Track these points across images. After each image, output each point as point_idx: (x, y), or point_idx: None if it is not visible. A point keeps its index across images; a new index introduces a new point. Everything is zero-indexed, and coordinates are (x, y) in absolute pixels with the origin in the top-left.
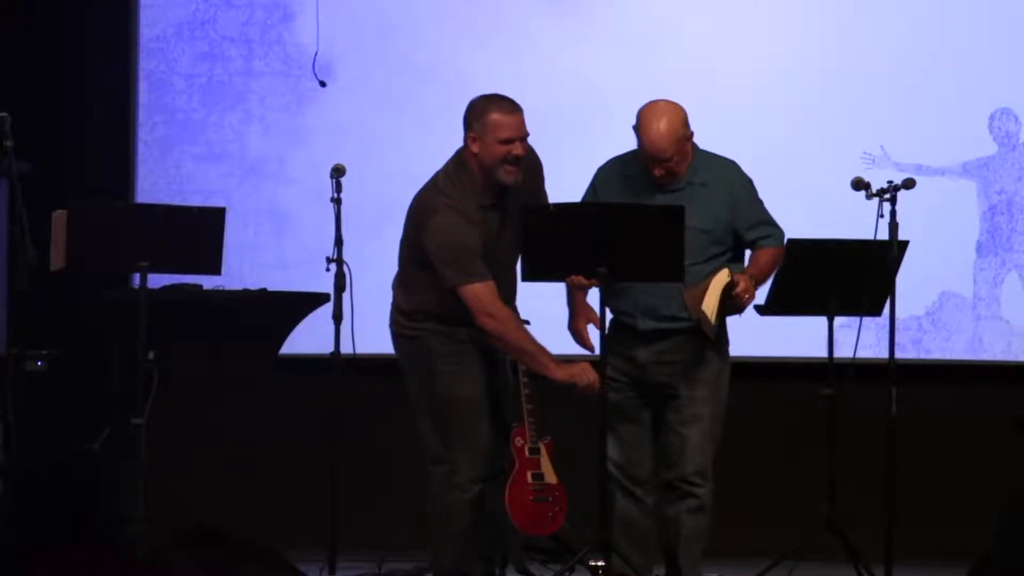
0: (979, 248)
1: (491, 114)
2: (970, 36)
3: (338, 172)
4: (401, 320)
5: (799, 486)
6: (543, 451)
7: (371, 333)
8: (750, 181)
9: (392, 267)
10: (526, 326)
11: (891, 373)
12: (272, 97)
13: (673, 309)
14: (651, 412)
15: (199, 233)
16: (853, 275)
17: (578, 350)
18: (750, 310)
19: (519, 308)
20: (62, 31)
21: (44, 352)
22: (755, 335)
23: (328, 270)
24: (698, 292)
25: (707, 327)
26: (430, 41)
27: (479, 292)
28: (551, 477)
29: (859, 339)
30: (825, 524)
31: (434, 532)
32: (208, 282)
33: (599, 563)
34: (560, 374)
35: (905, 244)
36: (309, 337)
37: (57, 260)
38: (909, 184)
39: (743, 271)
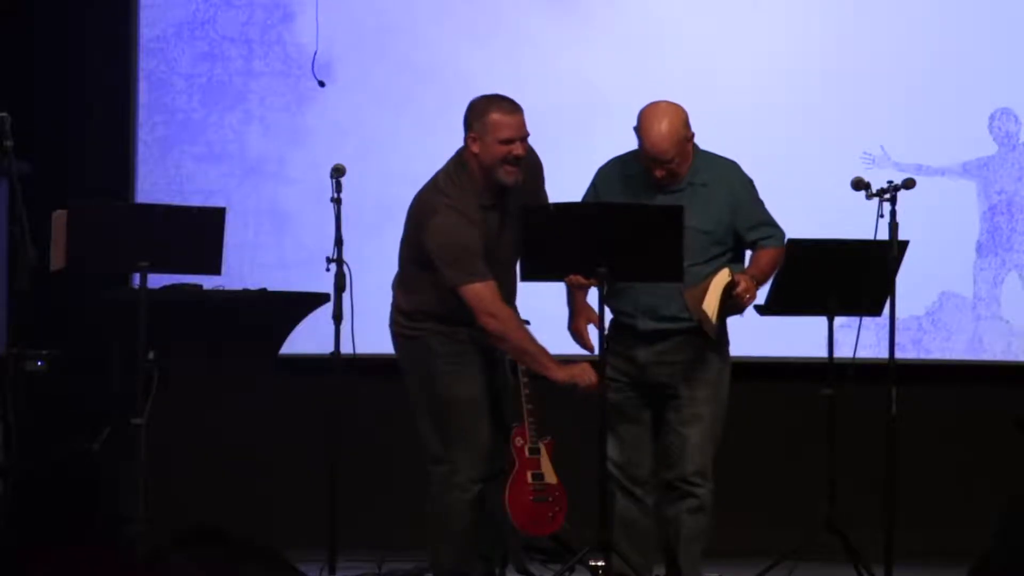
0: (979, 248)
1: (491, 114)
2: (970, 36)
3: (338, 172)
4: (401, 320)
5: (799, 486)
6: (543, 451)
7: (371, 333)
8: (751, 182)
9: (392, 267)
10: (526, 326)
11: (891, 373)
12: (272, 97)
13: (673, 309)
14: (651, 412)
15: (199, 233)
16: (853, 275)
17: (578, 350)
18: (750, 310)
19: (519, 308)
20: (62, 31)
21: (44, 352)
22: (755, 335)
23: (328, 270)
24: (699, 292)
25: (708, 327)
26: (430, 41)
27: (481, 292)
28: (551, 477)
29: (859, 339)
30: (825, 524)
31: (434, 532)
32: (208, 282)
33: (599, 563)
34: (561, 375)
35: (905, 244)
36: (309, 337)
37: (57, 260)
38: (909, 184)
39: (743, 271)
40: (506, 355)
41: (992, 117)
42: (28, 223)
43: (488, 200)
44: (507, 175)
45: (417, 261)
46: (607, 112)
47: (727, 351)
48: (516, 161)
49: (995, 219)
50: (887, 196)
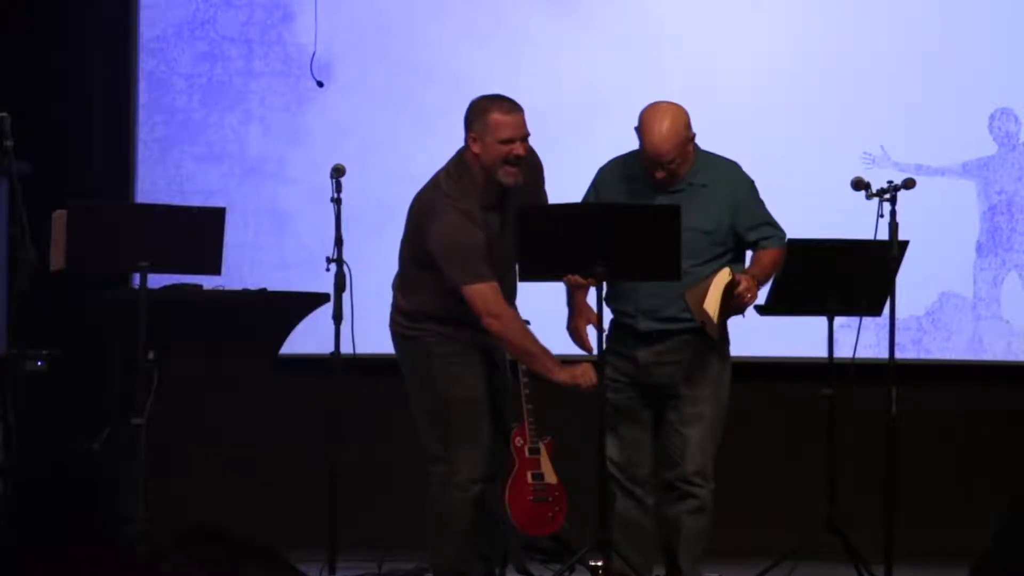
0: (979, 248)
1: (492, 114)
2: (970, 36)
3: (338, 172)
4: (401, 320)
5: (799, 486)
6: (543, 451)
7: (371, 333)
8: (751, 182)
9: (392, 267)
10: (527, 326)
11: (891, 373)
12: (272, 97)
13: (673, 310)
14: (651, 412)
15: (199, 233)
16: (853, 275)
17: (578, 350)
18: (750, 310)
19: (519, 308)
20: (62, 31)
21: (44, 352)
22: (755, 335)
23: (328, 270)
24: (700, 292)
25: (710, 327)
26: (430, 41)
27: (483, 293)
28: (551, 477)
29: (859, 339)
30: (825, 524)
31: (434, 532)
32: (208, 282)
33: (599, 563)
34: (562, 376)
35: (905, 244)
36: (309, 337)
37: (57, 260)
38: (909, 184)
39: (744, 271)
40: (506, 355)
41: (992, 117)
42: (28, 223)
43: (489, 200)
44: (507, 175)
45: (417, 261)
46: (607, 112)
47: (727, 351)
48: (517, 161)
49: (995, 219)
50: (887, 196)
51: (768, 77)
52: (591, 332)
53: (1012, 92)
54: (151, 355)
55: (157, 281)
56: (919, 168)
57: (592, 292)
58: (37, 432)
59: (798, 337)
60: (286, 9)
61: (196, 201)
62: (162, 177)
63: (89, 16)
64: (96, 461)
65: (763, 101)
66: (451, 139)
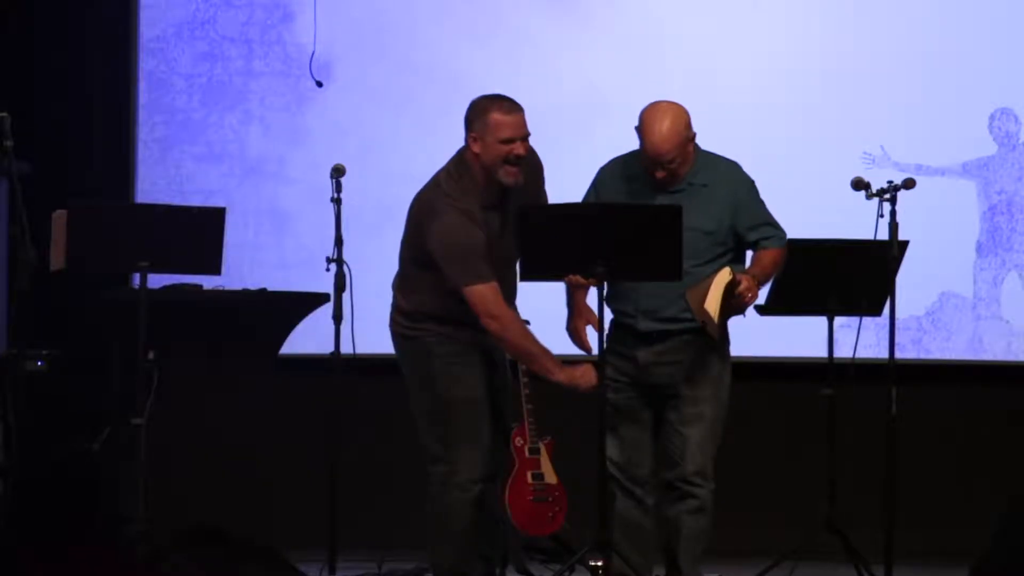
0: (979, 248)
1: (492, 114)
2: (970, 36)
3: (338, 172)
4: (401, 320)
5: (799, 486)
6: (543, 451)
7: (371, 333)
8: (752, 182)
9: (392, 267)
10: (527, 326)
11: (891, 373)
12: (272, 97)
13: (674, 311)
14: (651, 412)
15: (199, 233)
16: (853, 275)
17: (578, 350)
18: (750, 310)
19: (519, 308)
20: (62, 31)
21: (44, 352)
22: (755, 335)
23: (328, 270)
24: (700, 292)
25: (711, 327)
26: (430, 41)
27: (483, 293)
28: (551, 477)
29: (859, 339)
30: (825, 524)
31: (434, 532)
32: (208, 282)
33: (599, 563)
34: (562, 376)
35: (905, 244)
36: (309, 337)
37: (57, 260)
38: (909, 184)
39: (745, 271)
40: (506, 355)
41: (992, 117)
42: (28, 223)
43: (489, 200)
44: (508, 175)
45: (417, 261)
46: (607, 112)
47: (728, 351)
48: (517, 161)
49: (995, 219)
50: (887, 196)
51: (768, 77)
52: (590, 332)
53: (1012, 92)
54: (151, 355)
55: (157, 281)
56: (919, 168)
57: (592, 292)
58: (37, 432)
59: (798, 337)
60: (286, 9)
61: (196, 201)
62: (162, 177)
63: (89, 16)
64: (96, 461)
65: (763, 101)
66: (451, 139)
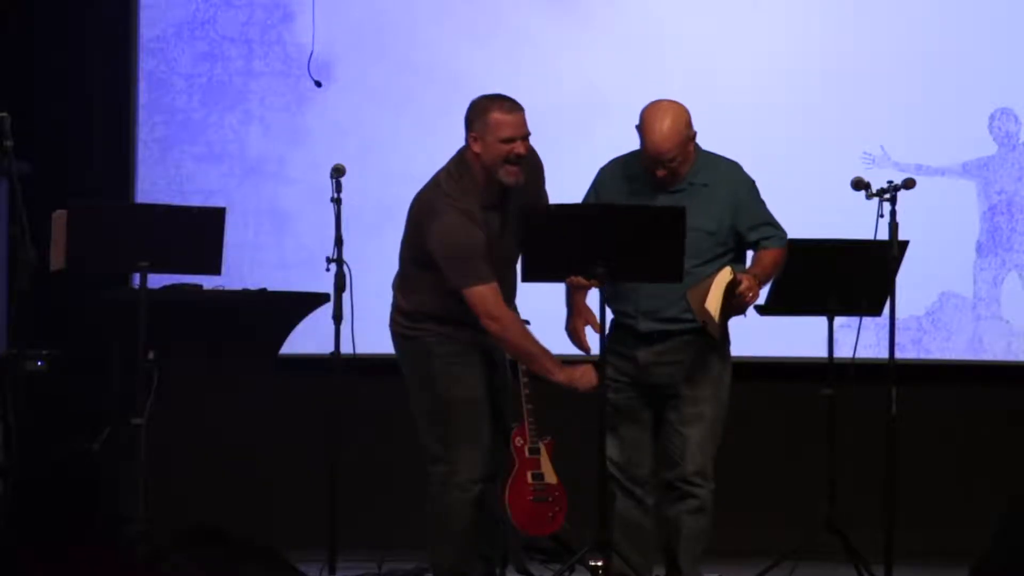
0: (979, 248)
1: (492, 113)
2: (970, 36)
3: (338, 172)
4: (401, 320)
5: (799, 486)
6: (543, 451)
7: (371, 333)
8: (753, 182)
9: (392, 267)
10: (527, 327)
11: (891, 373)
12: (272, 97)
13: (674, 311)
14: (651, 412)
15: (199, 233)
16: (853, 275)
17: (578, 350)
18: (750, 310)
19: (519, 308)
20: (62, 31)
21: (44, 352)
22: (755, 335)
23: (328, 270)
24: (701, 291)
25: (712, 327)
26: (430, 41)
27: (483, 294)
28: (551, 477)
29: (859, 339)
30: (825, 524)
31: (434, 532)
32: (208, 282)
33: (599, 563)
34: (562, 376)
35: (905, 244)
36: (309, 337)
37: (57, 260)
38: (909, 184)
39: (746, 271)
40: (506, 355)
41: (992, 117)
42: (28, 223)
43: (489, 200)
44: (508, 175)
45: (417, 261)
46: (607, 112)
47: (728, 351)
48: (518, 160)
49: (995, 219)
50: (887, 196)
51: (768, 77)
52: (589, 332)
53: (1012, 92)
54: (151, 355)
55: (157, 281)
56: (919, 168)
57: (592, 292)
58: (37, 432)
59: (798, 337)
60: (286, 9)
61: (196, 201)
62: (162, 177)
63: (89, 16)
64: (96, 461)
65: (763, 101)
66: (451, 139)
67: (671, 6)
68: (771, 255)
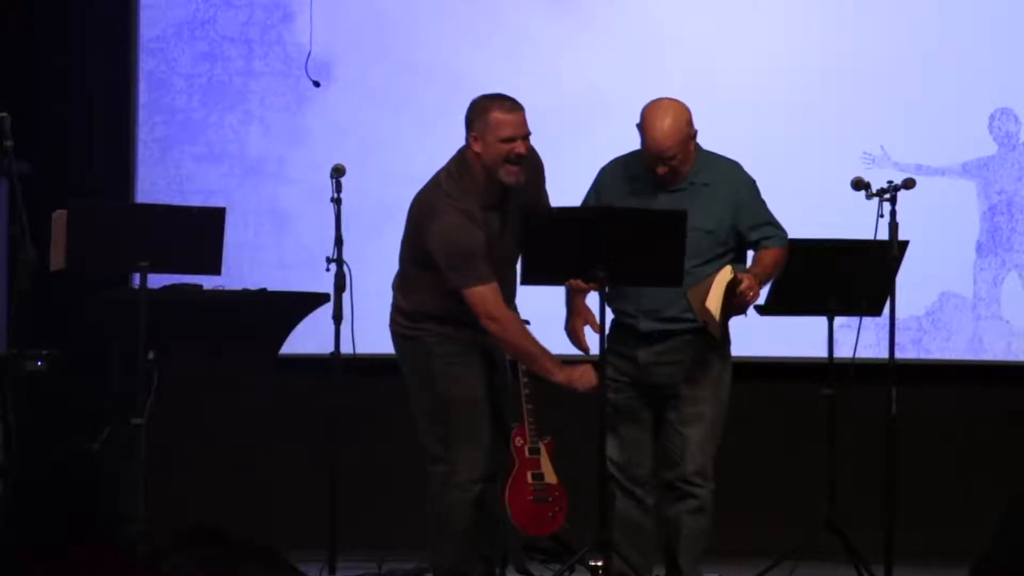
0: (979, 248)
1: (492, 113)
2: (970, 36)
3: (338, 172)
4: (401, 320)
5: (799, 486)
6: (543, 451)
7: (371, 333)
8: (753, 182)
9: (392, 267)
10: (527, 327)
11: (891, 373)
12: (272, 97)
13: (675, 311)
14: (651, 412)
15: (199, 233)
16: (853, 275)
17: (578, 350)
18: (751, 310)
19: (519, 308)
20: (62, 31)
21: (44, 352)
22: (755, 335)
23: (328, 270)
24: (701, 291)
25: (713, 327)
26: (430, 41)
27: (483, 294)
28: (551, 477)
29: (859, 339)
30: (825, 524)
31: (434, 532)
32: (208, 282)
33: (599, 563)
34: (562, 377)
35: (905, 244)
36: (309, 337)
37: (57, 260)
38: (909, 184)
39: (746, 270)
40: (506, 355)
41: (992, 117)
42: (28, 223)
43: (489, 199)
44: (509, 174)
45: (417, 261)
46: (607, 112)
47: (728, 351)
48: (518, 160)
49: (995, 219)
50: (887, 196)
51: (768, 77)
52: (589, 333)
53: (1012, 92)
54: (151, 355)
55: (157, 281)
56: (919, 168)
57: (593, 294)
58: (37, 432)
59: (798, 337)
60: (286, 9)
61: (196, 201)
62: (162, 177)
63: (89, 16)
64: (96, 461)
65: (763, 101)
66: (451, 139)
67: (671, 6)
68: (772, 255)
